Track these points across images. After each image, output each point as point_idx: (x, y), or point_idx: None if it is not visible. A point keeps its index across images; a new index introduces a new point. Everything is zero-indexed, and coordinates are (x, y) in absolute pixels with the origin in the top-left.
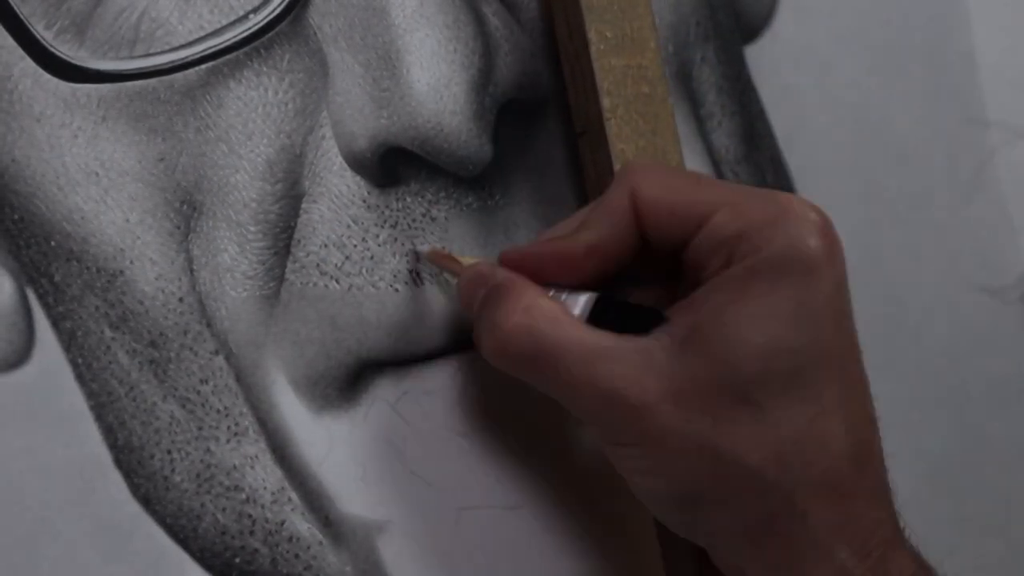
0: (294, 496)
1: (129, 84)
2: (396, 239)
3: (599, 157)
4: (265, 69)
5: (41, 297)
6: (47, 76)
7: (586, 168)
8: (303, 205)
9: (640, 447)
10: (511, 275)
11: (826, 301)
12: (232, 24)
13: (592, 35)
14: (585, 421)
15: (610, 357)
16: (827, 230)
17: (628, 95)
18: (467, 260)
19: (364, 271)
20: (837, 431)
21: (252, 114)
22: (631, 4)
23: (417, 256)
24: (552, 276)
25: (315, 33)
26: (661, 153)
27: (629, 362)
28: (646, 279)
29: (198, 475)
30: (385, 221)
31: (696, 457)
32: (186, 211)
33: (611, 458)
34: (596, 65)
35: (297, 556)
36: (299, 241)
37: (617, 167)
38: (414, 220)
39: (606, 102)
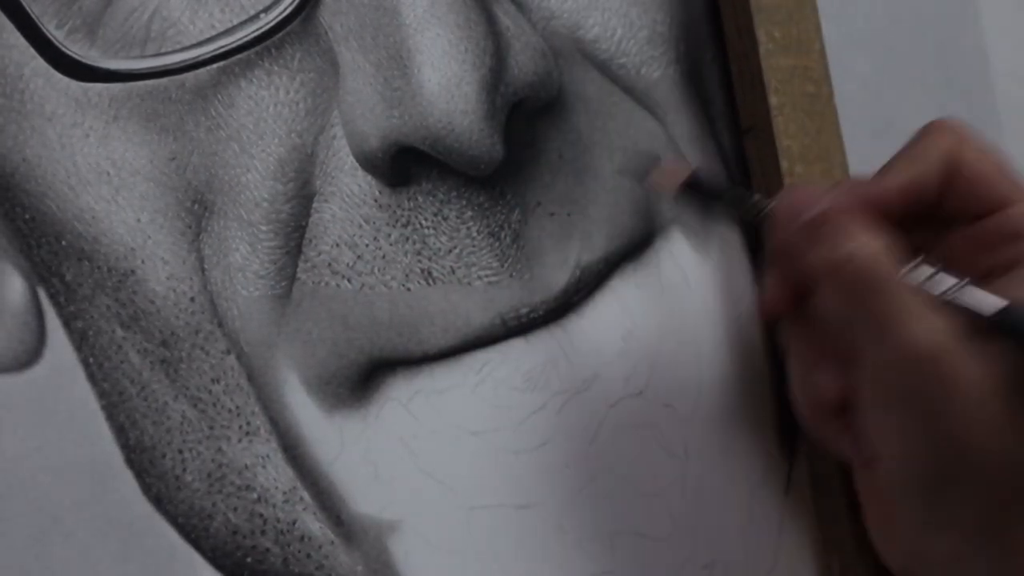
0: (306, 495)
1: (140, 83)
2: (408, 238)
3: (765, 153)
4: (276, 68)
5: (52, 296)
6: (58, 76)
7: (752, 163)
8: (314, 204)
9: (922, 417)
10: (850, 204)
11: None
12: (243, 23)
13: (761, 35)
14: (880, 371)
15: (937, 320)
16: None
17: (795, 94)
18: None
19: (376, 270)
20: None
21: (263, 113)
22: (798, 6)
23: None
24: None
25: (326, 32)
26: (825, 151)
27: (952, 332)
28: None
29: (209, 474)
30: (396, 220)
31: (976, 444)
32: (197, 210)
33: (873, 424)
34: (764, 64)
35: (309, 555)
36: (311, 240)
37: (784, 163)
38: (425, 219)
39: (774, 100)
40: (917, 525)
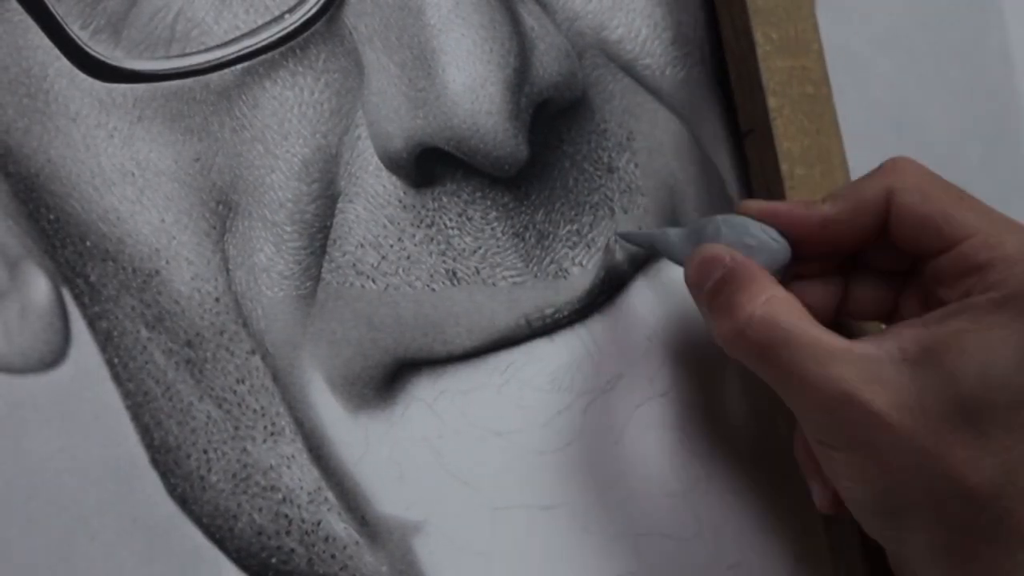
0: (330, 496)
1: (165, 84)
2: (432, 239)
3: (765, 155)
4: (301, 69)
5: (77, 297)
6: (82, 76)
7: (752, 166)
8: (339, 205)
9: (857, 453)
10: (747, 261)
11: None
12: (267, 24)
13: (758, 37)
14: (805, 420)
15: (845, 359)
16: None
17: (793, 95)
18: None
19: (400, 271)
20: None
21: (288, 114)
22: (795, 6)
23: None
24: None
25: (350, 33)
26: (825, 152)
27: (863, 368)
28: (876, 269)
29: (234, 475)
30: (421, 221)
31: (913, 472)
32: (222, 211)
33: (821, 459)
34: (762, 66)
35: (333, 556)
36: (335, 241)
37: (784, 166)
38: (450, 220)
39: (772, 102)
40: (889, 553)
